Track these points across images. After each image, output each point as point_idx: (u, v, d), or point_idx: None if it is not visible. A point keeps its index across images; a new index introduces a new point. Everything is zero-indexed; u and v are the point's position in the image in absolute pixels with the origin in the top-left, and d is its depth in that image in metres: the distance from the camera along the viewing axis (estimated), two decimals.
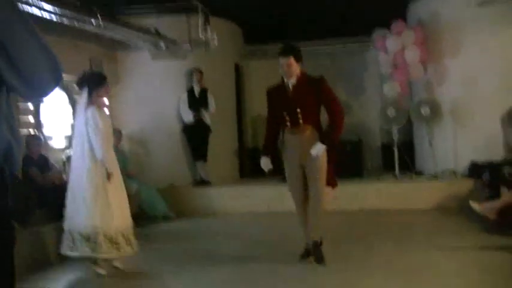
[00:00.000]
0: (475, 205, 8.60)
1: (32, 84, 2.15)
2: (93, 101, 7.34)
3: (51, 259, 8.15)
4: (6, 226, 2.12)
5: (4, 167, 2.05)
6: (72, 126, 7.73)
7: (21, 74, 2.09)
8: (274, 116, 7.63)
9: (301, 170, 7.42)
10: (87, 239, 7.13)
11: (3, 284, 2.17)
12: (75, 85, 7.80)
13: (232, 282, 6.92)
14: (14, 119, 2.20)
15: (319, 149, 7.19)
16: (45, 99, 10.12)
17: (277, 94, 7.54)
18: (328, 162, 7.36)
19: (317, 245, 7.40)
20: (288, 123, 7.40)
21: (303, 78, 7.39)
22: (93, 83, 7.40)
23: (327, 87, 7.41)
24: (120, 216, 7.39)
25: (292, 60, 7.27)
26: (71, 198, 7.35)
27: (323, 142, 7.22)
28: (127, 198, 7.66)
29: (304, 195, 7.47)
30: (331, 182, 7.54)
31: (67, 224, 7.32)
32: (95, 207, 7.18)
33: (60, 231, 7.61)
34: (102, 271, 7.35)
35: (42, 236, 8.22)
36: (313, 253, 7.39)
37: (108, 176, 7.31)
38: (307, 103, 7.30)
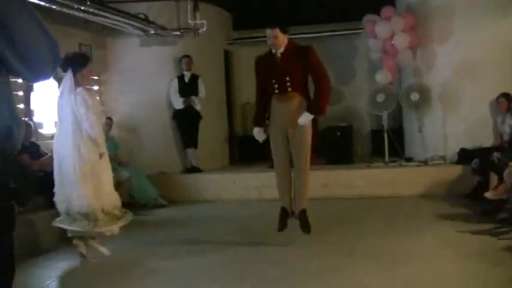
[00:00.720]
0: (489, 194, 8.66)
1: (32, 66, 2.16)
2: (78, 82, 7.30)
3: (43, 247, 8.16)
4: (7, 206, 2.12)
5: (6, 147, 2.06)
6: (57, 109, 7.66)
7: (22, 55, 2.09)
8: (263, 85, 7.80)
9: (286, 137, 7.58)
10: (87, 217, 7.18)
11: (4, 263, 2.17)
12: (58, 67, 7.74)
13: (222, 268, 6.94)
14: (14, 101, 2.20)
15: (306, 118, 7.40)
16: (35, 86, 10.10)
17: (265, 63, 7.72)
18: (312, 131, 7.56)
19: (304, 213, 7.60)
20: (277, 91, 7.56)
21: (291, 47, 7.56)
22: (76, 64, 7.36)
23: (315, 55, 7.57)
24: (112, 191, 7.62)
25: (278, 31, 7.44)
26: (60, 181, 7.32)
27: (310, 111, 7.40)
28: (109, 179, 7.69)
29: (289, 162, 7.66)
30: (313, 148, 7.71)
31: (63, 207, 7.31)
32: (88, 185, 7.21)
33: (51, 219, 7.61)
34: (83, 250, 7.46)
35: (35, 223, 8.20)
36: (301, 221, 7.60)
37: (101, 154, 7.40)
38: (295, 71, 7.48)
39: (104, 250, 7.54)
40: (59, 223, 7.39)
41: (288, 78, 7.46)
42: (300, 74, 7.50)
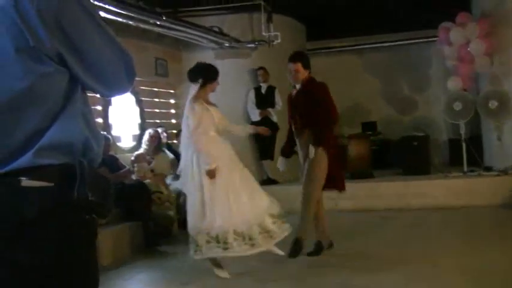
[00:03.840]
0: None
1: (104, 81, 2.18)
2: (201, 94, 7.11)
3: (121, 258, 8.28)
4: (88, 219, 2.16)
5: (83, 161, 2.09)
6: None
7: (93, 69, 2.11)
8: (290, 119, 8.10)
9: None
10: (216, 239, 6.80)
11: (90, 275, 2.22)
12: (188, 77, 7.33)
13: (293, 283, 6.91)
14: (92, 114, 2.23)
15: (311, 152, 7.53)
16: (113, 100, 10.31)
17: (290, 99, 8.01)
18: (334, 164, 7.72)
19: (297, 242, 7.59)
20: (293, 127, 7.89)
21: (308, 84, 7.76)
22: (209, 75, 7.19)
23: (323, 92, 7.74)
24: (249, 209, 7.00)
25: (299, 66, 7.70)
26: (187, 200, 7.19)
27: (312, 144, 7.54)
28: (256, 188, 7.33)
29: None
30: (339, 185, 7.95)
31: (191, 228, 6.98)
32: (211, 206, 6.84)
33: (130, 232, 7.71)
34: (223, 274, 7.05)
35: (112, 235, 8.34)
36: (291, 248, 7.55)
37: (210, 172, 6.86)
38: (307, 108, 7.65)
39: (279, 251, 7.29)
40: (192, 254, 7.01)
41: (298, 116, 7.75)
42: (312, 112, 7.60)
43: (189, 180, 7.07)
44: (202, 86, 7.11)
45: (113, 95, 2.39)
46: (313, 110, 7.57)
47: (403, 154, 13.46)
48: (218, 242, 6.78)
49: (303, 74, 7.70)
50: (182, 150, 7.40)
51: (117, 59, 2.17)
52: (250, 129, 8.01)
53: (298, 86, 7.79)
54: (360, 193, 11.68)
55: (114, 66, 2.16)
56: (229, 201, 6.90)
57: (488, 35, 12.33)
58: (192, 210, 7.01)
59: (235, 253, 6.84)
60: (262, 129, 8.17)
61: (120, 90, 2.31)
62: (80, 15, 2.08)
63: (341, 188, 7.98)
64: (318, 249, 7.80)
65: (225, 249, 6.79)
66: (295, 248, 7.52)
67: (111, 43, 2.16)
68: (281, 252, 7.24)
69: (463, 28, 12.39)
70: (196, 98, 7.07)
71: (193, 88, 7.15)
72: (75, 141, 2.08)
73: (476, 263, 7.05)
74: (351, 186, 10.82)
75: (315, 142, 7.53)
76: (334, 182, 7.81)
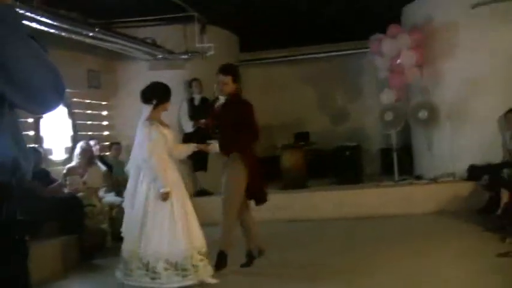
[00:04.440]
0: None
1: (35, 100, 2.13)
2: (155, 115, 6.99)
3: (60, 271, 8.16)
4: (17, 239, 2.13)
5: (12, 181, 2.06)
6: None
7: (23, 92, 2.06)
8: None
9: None
10: (146, 267, 6.61)
11: None
12: (140, 98, 7.13)
13: None
14: (20, 132, 2.19)
15: (215, 147, 7.60)
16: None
17: (213, 111, 7.91)
18: (255, 181, 7.63)
19: (221, 255, 7.50)
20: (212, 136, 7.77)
21: (234, 99, 7.64)
22: (162, 95, 7.09)
23: (247, 111, 7.58)
24: (188, 239, 6.82)
25: (230, 79, 7.59)
26: (128, 222, 6.97)
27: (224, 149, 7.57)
28: (195, 219, 7.11)
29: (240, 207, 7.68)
30: (259, 199, 7.83)
31: (126, 250, 6.80)
32: (149, 232, 6.66)
33: (64, 246, 7.58)
34: None
35: (44, 251, 8.20)
36: (216, 261, 7.40)
37: (163, 195, 6.71)
38: (227, 122, 7.55)
39: (213, 280, 7.02)
40: (121, 276, 6.81)
41: (217, 130, 7.73)
42: (231, 126, 7.47)
43: (133, 202, 6.89)
44: (156, 107, 6.99)
45: (44, 112, 2.33)
46: (234, 126, 7.41)
47: (336, 164, 13.61)
48: (148, 270, 6.62)
49: (232, 87, 7.57)
50: (131, 172, 7.16)
51: (46, 77, 2.10)
52: (194, 148, 7.85)
53: (223, 99, 7.66)
54: (294, 203, 11.77)
55: (43, 85, 2.09)
56: (166, 229, 6.71)
57: (418, 46, 12.55)
58: (129, 233, 6.85)
59: (162, 285, 6.62)
60: (205, 147, 7.89)
61: (51, 108, 2.25)
62: (7, 34, 2.03)
63: (260, 201, 7.83)
64: (249, 260, 7.79)
65: (153, 279, 6.62)
66: (219, 260, 7.41)
67: (39, 60, 2.09)
68: (215, 281, 7.01)
69: (395, 39, 12.58)
70: (150, 120, 6.93)
71: (147, 109, 6.99)
72: (3, 160, 2.04)
73: (414, 269, 7.20)
74: (285, 196, 10.97)
75: (224, 147, 7.51)
76: (255, 196, 7.74)
